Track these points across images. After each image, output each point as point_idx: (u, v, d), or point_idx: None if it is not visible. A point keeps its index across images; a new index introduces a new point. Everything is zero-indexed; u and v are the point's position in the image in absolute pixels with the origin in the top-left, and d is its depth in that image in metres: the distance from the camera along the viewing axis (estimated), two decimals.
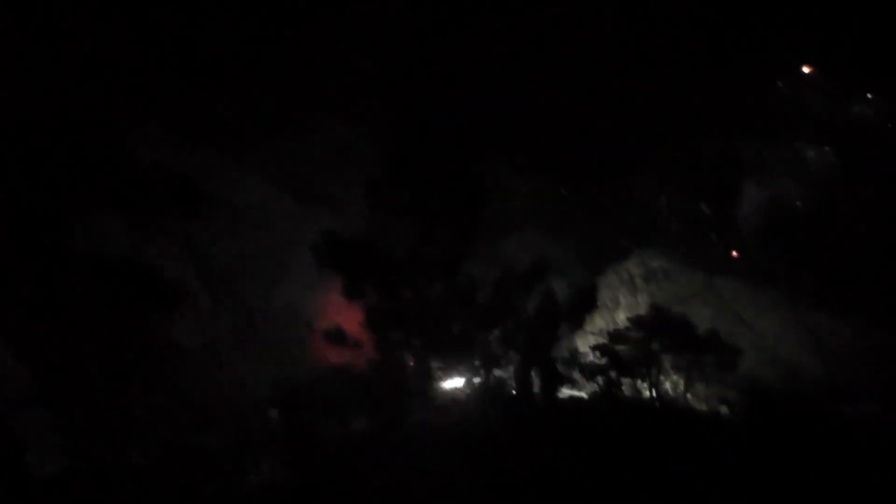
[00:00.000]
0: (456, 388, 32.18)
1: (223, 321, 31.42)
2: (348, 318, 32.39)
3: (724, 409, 32.72)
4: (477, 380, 31.96)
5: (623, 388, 32.40)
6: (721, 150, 36.97)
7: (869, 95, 35.27)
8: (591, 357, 32.87)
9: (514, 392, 31.88)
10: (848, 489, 26.53)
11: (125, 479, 25.85)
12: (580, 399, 32.63)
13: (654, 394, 32.66)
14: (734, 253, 36.86)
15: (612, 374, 32.24)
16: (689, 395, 32.94)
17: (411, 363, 31.56)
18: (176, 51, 31.95)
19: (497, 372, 32.24)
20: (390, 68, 35.76)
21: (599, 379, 32.26)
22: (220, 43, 32.30)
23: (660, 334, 32.99)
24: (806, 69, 35.82)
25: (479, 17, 36.19)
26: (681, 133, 36.70)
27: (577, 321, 33.06)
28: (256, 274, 32.28)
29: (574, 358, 32.74)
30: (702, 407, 33.25)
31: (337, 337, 32.28)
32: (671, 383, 33.34)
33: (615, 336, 33.31)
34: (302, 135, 33.61)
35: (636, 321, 33.56)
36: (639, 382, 32.52)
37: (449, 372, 32.10)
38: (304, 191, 33.18)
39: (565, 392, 32.52)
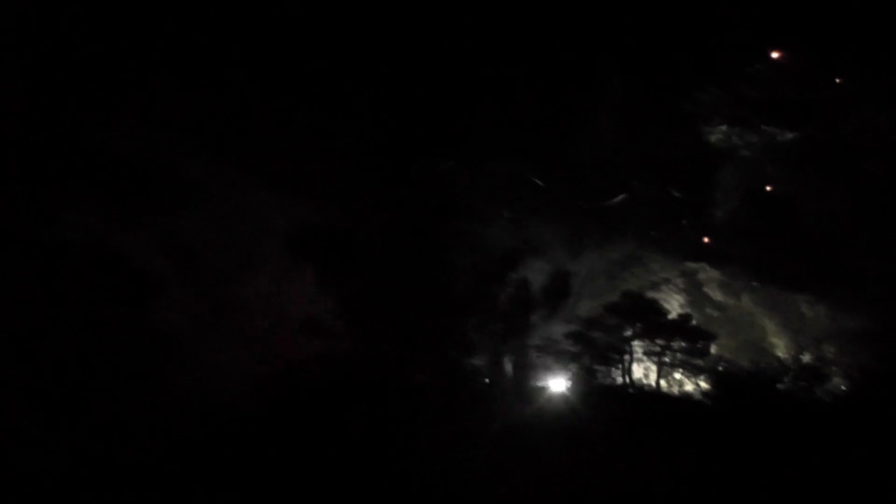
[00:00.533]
0: (431, 377, 32.37)
1: (198, 311, 31.20)
2: (323, 307, 32.42)
3: (696, 393, 33.75)
4: (453, 369, 32.17)
5: (597, 374, 32.74)
6: (692, 135, 37.18)
7: (837, 80, 35.52)
8: (566, 344, 33.16)
9: (487, 381, 32.09)
10: (818, 465, 27.08)
11: (105, 469, 25.86)
12: (556, 385, 32.97)
13: (628, 380, 33.08)
14: (705, 238, 37.09)
15: (587, 360, 32.55)
16: (662, 381, 33.48)
17: (386, 352, 31.69)
18: (151, 42, 31.52)
19: (471, 360, 32.47)
20: (364, 58, 35.58)
21: (574, 366, 32.58)
22: (194, 34, 31.91)
23: (633, 321, 33.34)
24: (775, 54, 36.00)
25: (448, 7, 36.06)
26: (652, 119, 36.87)
27: (551, 308, 33.35)
28: (231, 264, 32.05)
29: (549, 345, 32.99)
30: (675, 391, 33.99)
31: (311, 326, 32.31)
32: (644, 369, 33.73)
33: (589, 323, 33.62)
34: (277, 125, 33.33)
35: (610, 308, 33.84)
36: (613, 369, 32.87)
37: (424, 360, 32.24)
38: (278, 181, 32.88)
39: (540, 379, 32.87)
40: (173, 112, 31.39)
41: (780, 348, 35.93)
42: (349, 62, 34.08)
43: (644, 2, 36.28)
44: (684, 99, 36.90)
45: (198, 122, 32.42)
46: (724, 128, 36.62)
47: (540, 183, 34.61)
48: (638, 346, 32.71)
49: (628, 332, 32.43)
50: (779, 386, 33.95)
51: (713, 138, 36.94)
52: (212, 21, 31.72)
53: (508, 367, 32.02)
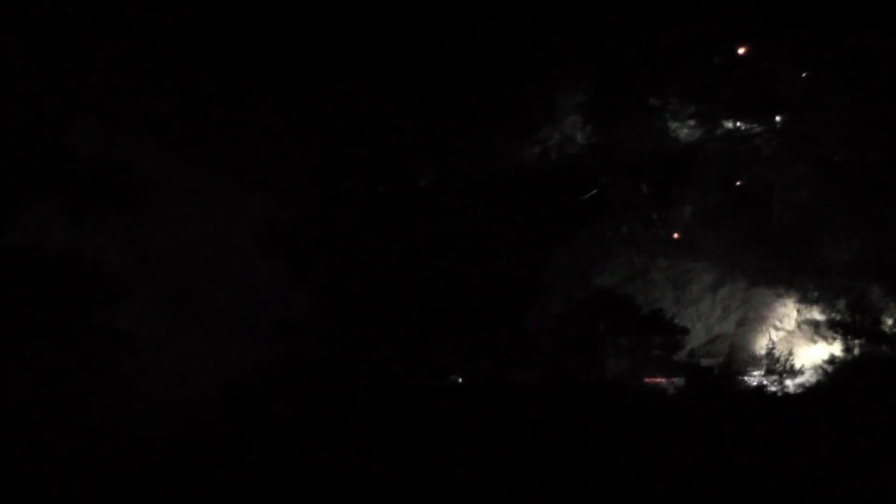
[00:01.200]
0: (405, 374, 32.06)
1: (166, 311, 30.69)
2: (293, 305, 31.99)
3: (668, 387, 33.81)
4: (426, 366, 31.91)
5: (571, 368, 32.63)
6: (660, 129, 37.28)
7: (804, 74, 35.80)
8: (539, 339, 33.03)
9: (459, 380, 31.88)
10: (788, 455, 27.27)
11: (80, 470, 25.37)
12: (530, 380, 32.77)
13: (602, 374, 33.03)
14: (675, 234, 37.22)
15: (561, 355, 32.46)
16: (635, 374, 33.36)
17: (358, 350, 31.35)
18: (112, 40, 30.91)
19: (446, 357, 32.25)
20: (328, 53, 35.25)
21: (548, 361, 32.46)
22: (155, 32, 31.36)
23: (606, 316, 33.29)
24: (741, 49, 36.24)
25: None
26: (620, 114, 36.95)
27: (524, 303, 33.20)
28: (199, 263, 31.55)
29: (523, 340, 32.83)
30: (647, 385, 33.76)
31: (282, 325, 31.90)
32: (617, 363, 33.63)
33: (563, 318, 33.54)
34: (241, 122, 32.88)
35: (583, 303, 33.79)
36: (587, 364, 32.80)
37: (397, 358, 31.94)
38: (244, 178, 32.44)
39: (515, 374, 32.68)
40: (136, 110, 30.90)
41: (752, 342, 35.88)
42: (312, 56, 33.74)
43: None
44: (652, 94, 37.08)
45: (160, 120, 31.93)
46: (692, 122, 36.83)
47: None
48: (611, 341, 32.95)
49: (602, 327, 32.64)
50: (750, 379, 34.34)
51: (681, 133, 37.13)
52: (174, 17, 31.25)
53: (483, 363, 31.86)
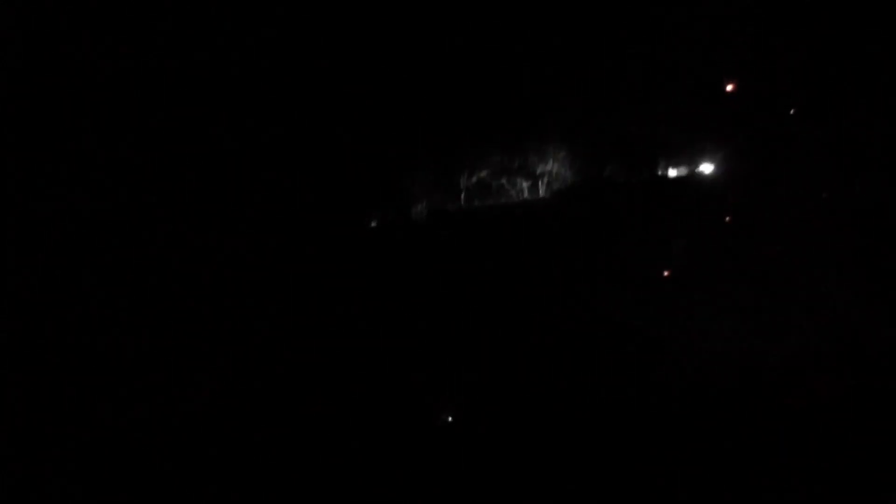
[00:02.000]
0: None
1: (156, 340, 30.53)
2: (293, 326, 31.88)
3: (673, 413, 33.09)
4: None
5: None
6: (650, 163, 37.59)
7: (791, 111, 36.43)
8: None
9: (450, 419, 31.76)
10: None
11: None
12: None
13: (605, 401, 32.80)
14: (665, 272, 37.28)
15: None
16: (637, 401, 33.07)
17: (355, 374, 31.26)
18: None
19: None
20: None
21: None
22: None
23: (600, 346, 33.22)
24: (730, 87, 36.97)
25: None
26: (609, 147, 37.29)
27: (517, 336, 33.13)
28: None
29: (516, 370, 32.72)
30: (652, 412, 33.34)
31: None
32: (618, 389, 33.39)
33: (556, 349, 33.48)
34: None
35: (576, 334, 33.74)
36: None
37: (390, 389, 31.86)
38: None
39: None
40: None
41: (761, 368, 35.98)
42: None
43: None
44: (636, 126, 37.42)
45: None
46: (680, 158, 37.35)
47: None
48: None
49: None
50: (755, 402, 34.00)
51: (670, 169, 37.64)
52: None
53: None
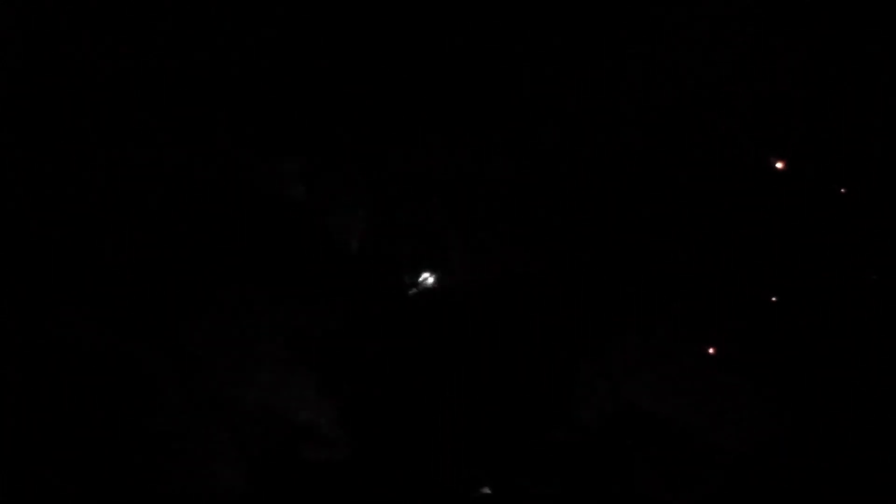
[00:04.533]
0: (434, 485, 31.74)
1: (193, 412, 30.36)
2: (323, 413, 31.73)
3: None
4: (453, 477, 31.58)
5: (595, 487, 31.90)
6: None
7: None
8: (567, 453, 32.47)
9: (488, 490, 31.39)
10: None
11: None
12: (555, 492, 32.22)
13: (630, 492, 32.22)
14: (711, 349, 36.33)
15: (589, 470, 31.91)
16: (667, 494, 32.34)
17: (388, 460, 31.12)
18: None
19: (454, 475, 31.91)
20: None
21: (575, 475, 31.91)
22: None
23: (636, 431, 32.54)
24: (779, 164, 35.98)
25: None
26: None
27: (551, 416, 32.76)
28: (228, 364, 31.28)
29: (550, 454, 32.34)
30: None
31: (311, 433, 31.72)
32: (648, 481, 32.72)
33: (591, 432, 32.94)
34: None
35: (613, 416, 33.08)
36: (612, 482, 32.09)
37: (420, 467, 31.69)
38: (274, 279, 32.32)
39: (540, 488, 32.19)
40: None
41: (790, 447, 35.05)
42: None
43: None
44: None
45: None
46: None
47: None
48: (640, 457, 32.28)
49: (629, 442, 32.09)
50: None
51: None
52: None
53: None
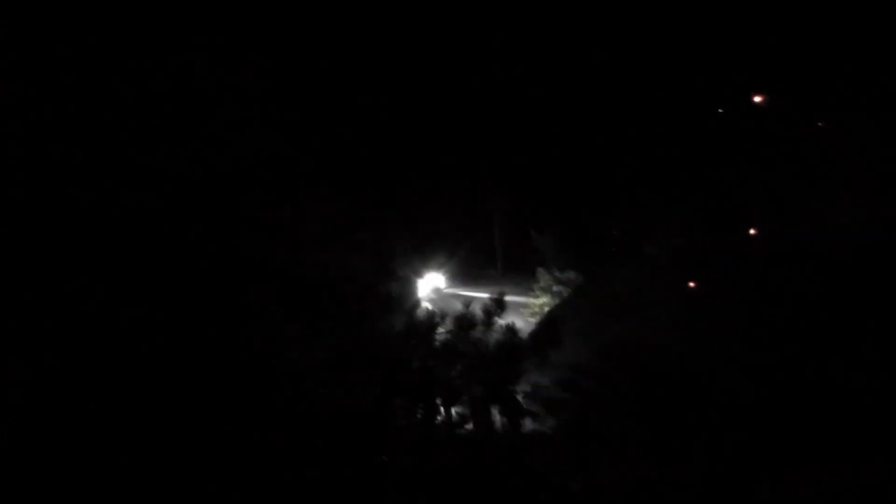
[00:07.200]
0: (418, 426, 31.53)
1: None
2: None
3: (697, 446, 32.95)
4: (439, 417, 31.44)
5: (589, 422, 32.27)
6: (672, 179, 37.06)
7: (819, 123, 35.73)
8: (554, 391, 32.62)
9: (474, 428, 31.37)
10: None
11: None
12: (543, 433, 32.38)
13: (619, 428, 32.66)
14: (691, 283, 36.91)
15: (575, 407, 32.06)
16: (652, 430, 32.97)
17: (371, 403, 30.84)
18: None
19: (458, 409, 31.77)
20: None
21: (563, 413, 32.05)
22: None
23: (626, 367, 32.93)
24: (757, 98, 36.21)
25: None
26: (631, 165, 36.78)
27: (541, 356, 32.75)
28: None
29: (537, 392, 32.40)
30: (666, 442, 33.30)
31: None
32: (637, 417, 33.26)
33: (579, 369, 33.17)
34: None
35: (601, 353, 33.42)
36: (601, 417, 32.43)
37: (410, 410, 31.44)
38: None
39: (528, 426, 32.24)
40: None
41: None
42: None
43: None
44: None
45: None
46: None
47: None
48: (631, 393, 32.51)
49: (621, 379, 32.24)
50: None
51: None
52: None
53: (496, 415, 31.37)
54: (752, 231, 36.64)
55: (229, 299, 29.23)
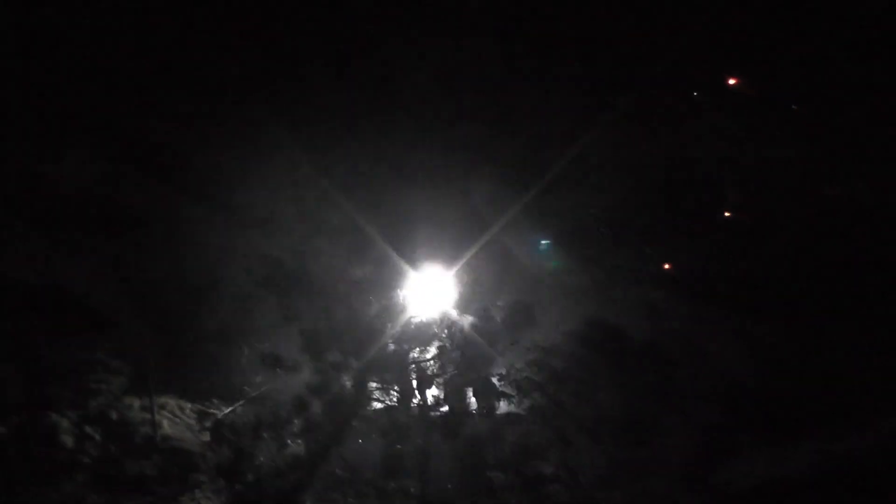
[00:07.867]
0: (392, 408, 31.73)
1: (154, 346, 30.16)
2: (283, 340, 31.65)
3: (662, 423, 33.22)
4: (414, 401, 31.64)
5: (560, 403, 32.46)
6: (652, 158, 37.11)
7: (794, 107, 35.92)
8: (528, 373, 32.77)
9: (448, 409, 31.59)
10: None
11: None
12: (517, 415, 32.57)
13: (590, 408, 32.87)
14: (666, 265, 37.01)
15: (549, 389, 32.26)
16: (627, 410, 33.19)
17: (348, 384, 31.04)
18: (96, 68, 30.36)
19: (433, 391, 31.95)
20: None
21: (536, 394, 32.25)
22: (140, 58, 30.86)
23: (596, 349, 33.09)
24: (731, 80, 36.36)
25: None
26: (609, 141, 36.80)
27: (513, 337, 32.90)
28: (188, 296, 31.09)
29: (510, 374, 32.56)
30: (640, 422, 33.51)
31: (273, 360, 31.54)
32: (609, 398, 33.44)
33: (551, 351, 33.31)
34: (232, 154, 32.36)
35: (572, 335, 33.54)
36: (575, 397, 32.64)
37: (384, 391, 31.65)
38: (235, 211, 32.03)
39: (502, 408, 32.43)
40: (122, 142, 30.31)
41: (748, 378, 35.97)
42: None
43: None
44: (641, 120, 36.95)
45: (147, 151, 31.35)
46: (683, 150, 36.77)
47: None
48: (602, 375, 32.68)
49: (592, 360, 32.41)
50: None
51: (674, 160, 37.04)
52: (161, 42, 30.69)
53: (470, 396, 31.61)
54: (726, 213, 36.97)
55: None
